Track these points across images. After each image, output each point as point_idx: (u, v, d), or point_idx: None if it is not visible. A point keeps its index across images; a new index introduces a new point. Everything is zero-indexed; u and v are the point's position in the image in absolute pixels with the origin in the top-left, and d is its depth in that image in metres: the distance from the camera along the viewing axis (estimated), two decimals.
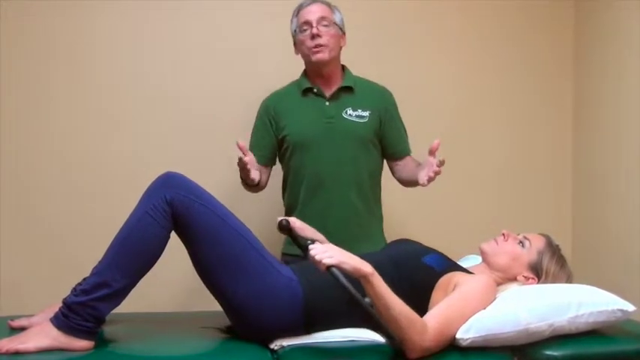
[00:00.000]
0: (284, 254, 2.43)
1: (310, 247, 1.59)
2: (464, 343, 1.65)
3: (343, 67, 2.44)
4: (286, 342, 1.75)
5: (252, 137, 2.44)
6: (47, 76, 2.70)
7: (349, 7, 2.49)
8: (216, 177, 2.59)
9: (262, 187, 2.41)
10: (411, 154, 2.47)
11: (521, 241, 1.90)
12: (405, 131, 2.49)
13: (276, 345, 1.75)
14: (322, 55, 2.32)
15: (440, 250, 1.94)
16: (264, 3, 2.84)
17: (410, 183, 2.40)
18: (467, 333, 1.65)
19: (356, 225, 2.36)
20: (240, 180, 2.31)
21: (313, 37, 2.30)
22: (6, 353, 1.60)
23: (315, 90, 2.38)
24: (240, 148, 2.10)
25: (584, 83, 3.02)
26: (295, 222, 1.90)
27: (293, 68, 2.83)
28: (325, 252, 1.56)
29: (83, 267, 1.75)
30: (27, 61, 2.68)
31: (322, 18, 2.32)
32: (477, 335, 1.65)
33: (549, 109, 3.09)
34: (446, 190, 2.85)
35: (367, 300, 1.57)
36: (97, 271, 1.68)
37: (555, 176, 3.10)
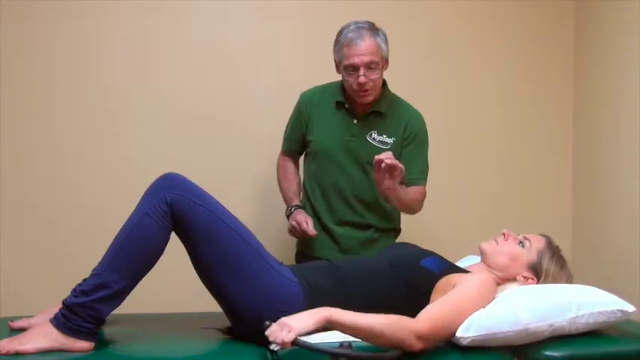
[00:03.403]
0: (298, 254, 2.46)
1: (266, 332, 1.55)
2: (464, 342, 1.65)
3: (384, 84, 2.34)
4: None
5: (286, 129, 2.49)
6: (48, 76, 2.70)
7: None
8: (216, 177, 2.59)
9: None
10: (421, 186, 2.35)
11: (521, 242, 1.90)
12: (423, 162, 2.36)
13: (275, 346, 1.75)
14: (368, 99, 2.26)
15: (440, 250, 1.94)
16: (265, 3, 2.83)
17: (401, 208, 2.34)
18: (466, 332, 1.65)
19: (369, 238, 2.36)
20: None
21: (360, 84, 2.20)
22: (6, 354, 1.60)
23: (346, 106, 2.34)
24: (301, 225, 2.27)
25: (585, 83, 3.01)
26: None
27: (294, 68, 2.84)
28: (282, 330, 1.52)
29: (83, 267, 1.75)
30: (27, 61, 2.68)
31: (370, 62, 2.19)
32: (477, 334, 1.65)
33: (549, 109, 3.09)
34: (446, 190, 2.85)
35: (345, 343, 1.54)
36: (97, 272, 1.68)
37: (555, 176, 3.10)
